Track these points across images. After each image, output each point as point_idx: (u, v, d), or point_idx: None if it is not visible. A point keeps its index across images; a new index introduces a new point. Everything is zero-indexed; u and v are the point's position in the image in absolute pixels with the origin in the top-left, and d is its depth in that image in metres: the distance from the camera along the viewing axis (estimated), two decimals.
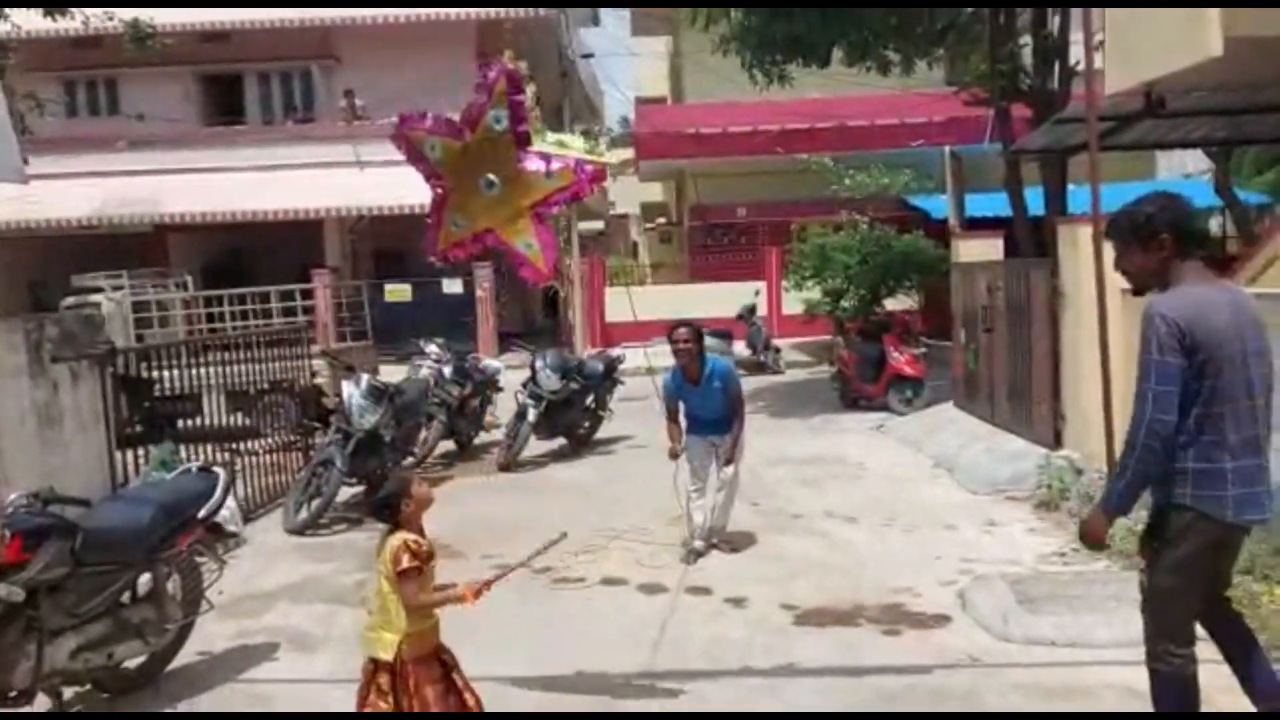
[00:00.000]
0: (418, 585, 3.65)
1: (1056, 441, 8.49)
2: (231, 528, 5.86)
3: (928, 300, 16.12)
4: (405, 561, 3.61)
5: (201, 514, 5.00)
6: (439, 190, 5.70)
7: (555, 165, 5.56)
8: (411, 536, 3.71)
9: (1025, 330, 9.14)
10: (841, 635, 5.33)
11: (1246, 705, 3.72)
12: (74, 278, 14.55)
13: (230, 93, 22.02)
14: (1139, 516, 6.50)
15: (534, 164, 5.50)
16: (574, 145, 5.72)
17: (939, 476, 8.93)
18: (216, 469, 5.39)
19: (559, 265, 6.28)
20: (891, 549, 6.81)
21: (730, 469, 6.85)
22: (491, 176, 5.48)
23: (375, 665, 3.73)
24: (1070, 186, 12.03)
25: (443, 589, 3.80)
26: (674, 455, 6.77)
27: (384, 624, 3.71)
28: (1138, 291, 3.66)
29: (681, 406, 6.89)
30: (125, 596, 4.78)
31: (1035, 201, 12.68)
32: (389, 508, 3.76)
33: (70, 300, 13.24)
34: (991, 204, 14.92)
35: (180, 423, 9.35)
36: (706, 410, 6.82)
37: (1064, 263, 8.44)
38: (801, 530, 7.37)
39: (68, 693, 4.57)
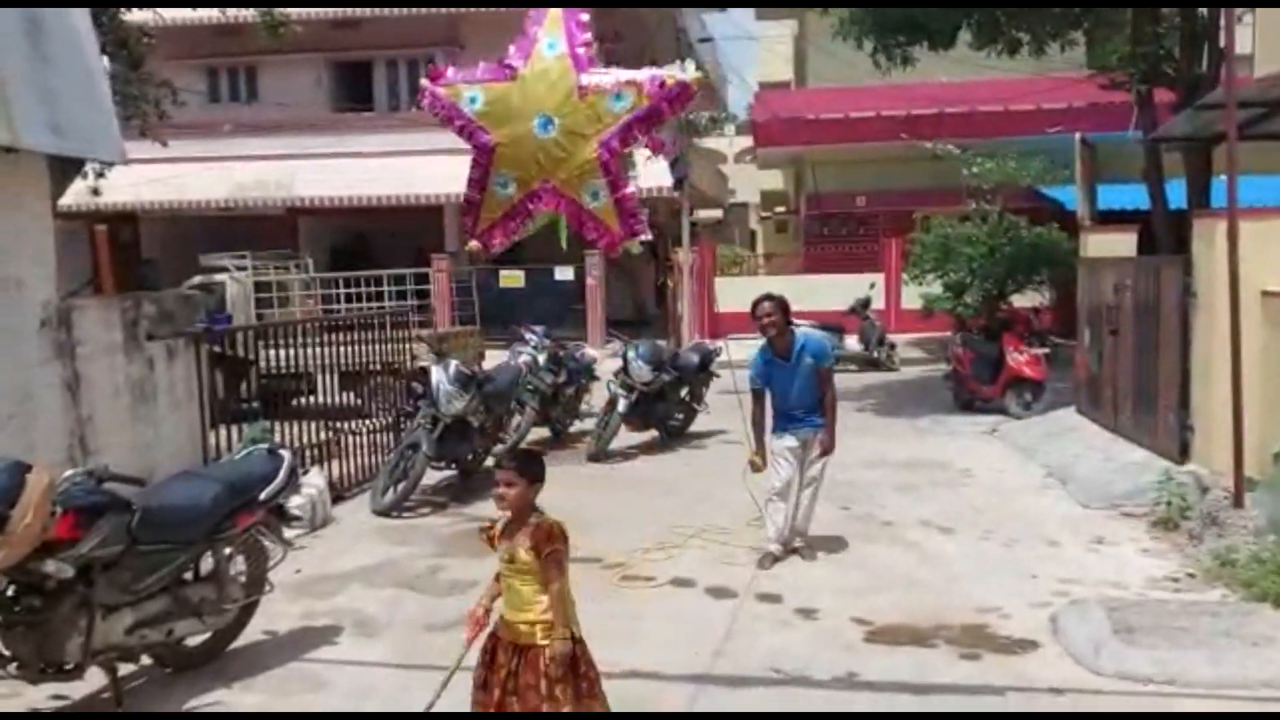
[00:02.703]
0: None
1: (1183, 454, 7.84)
2: (296, 511, 5.87)
3: (1061, 296, 15.24)
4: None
5: (262, 496, 5.01)
6: (483, 147, 4.50)
7: (623, 79, 4.39)
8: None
9: (1153, 333, 8.47)
10: (915, 656, 4.97)
11: None
12: (201, 257, 15.19)
13: (359, 79, 22.66)
14: (1264, 543, 5.95)
15: (596, 81, 4.38)
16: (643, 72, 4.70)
17: (1050, 487, 8.36)
18: (283, 451, 5.40)
19: (639, 229, 4.39)
20: (985, 564, 6.36)
21: (821, 463, 6.52)
22: (548, 113, 4.38)
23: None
24: (1220, 178, 11.11)
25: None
26: (756, 468, 6.45)
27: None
28: None
29: (769, 398, 6.51)
30: (187, 575, 4.84)
31: (1180, 194, 11.80)
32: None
33: (198, 279, 13.82)
34: (1133, 196, 14.00)
35: (294, 401, 9.62)
36: (796, 392, 6.41)
37: (1198, 260, 7.77)
38: (890, 539, 6.98)
39: (125, 668, 4.64)
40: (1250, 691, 4.36)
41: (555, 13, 4.56)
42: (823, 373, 6.45)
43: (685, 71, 4.51)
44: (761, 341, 6.57)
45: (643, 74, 4.51)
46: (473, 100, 4.60)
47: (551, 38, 4.49)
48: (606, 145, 4.39)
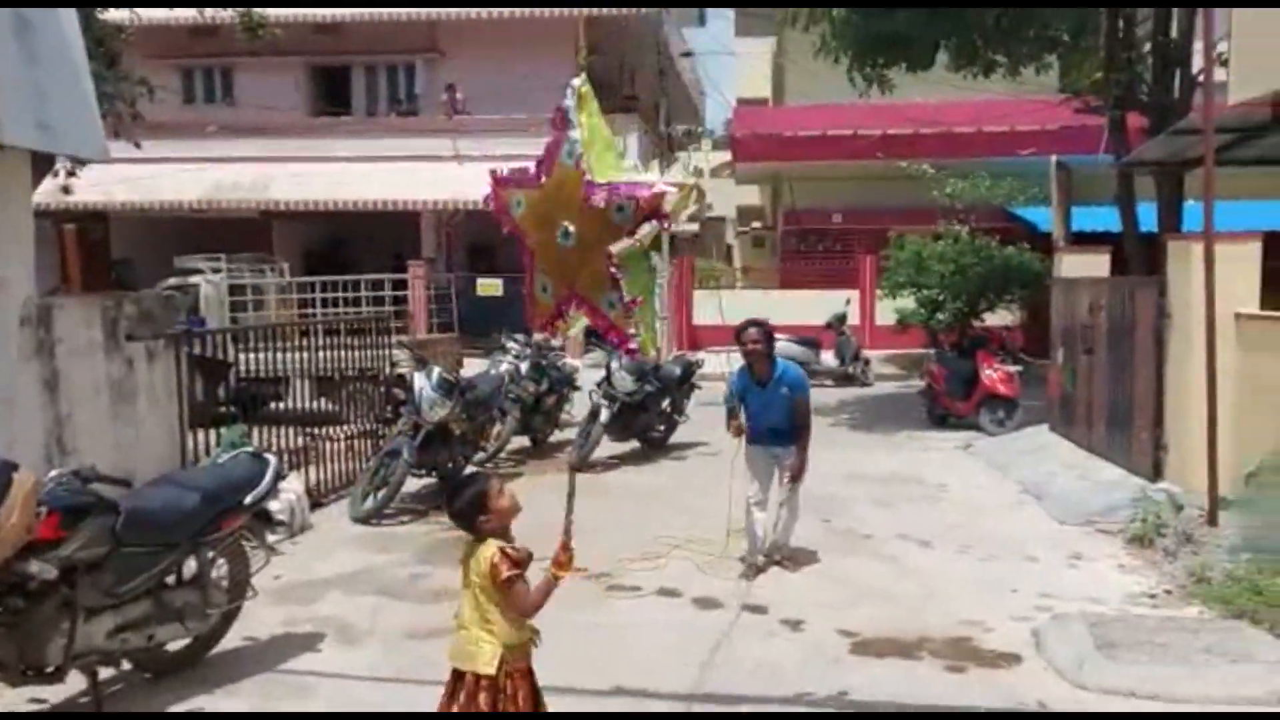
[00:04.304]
0: (524, 590, 3.37)
1: (1156, 473, 7.97)
2: (280, 516, 5.81)
3: (1031, 316, 15.45)
4: (506, 571, 3.31)
5: (248, 500, 4.95)
6: (527, 251, 4.77)
7: (623, 194, 4.67)
8: (501, 544, 3.42)
9: (1128, 352, 8.60)
10: (900, 668, 5.00)
11: None
12: (176, 259, 15.03)
13: (338, 84, 22.54)
14: (1238, 561, 6.05)
15: (599, 196, 4.48)
16: (647, 176, 4.78)
17: (1025, 503, 8.45)
18: (268, 455, 5.34)
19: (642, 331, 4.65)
20: (964, 578, 6.42)
21: (789, 488, 6.58)
22: (567, 225, 4.56)
23: (475, 680, 3.38)
24: (1190, 202, 11.33)
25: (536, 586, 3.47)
26: (737, 432, 6.59)
27: (486, 635, 3.39)
28: None
29: (743, 413, 6.63)
30: (170, 579, 4.77)
31: (1150, 218, 11.99)
32: (463, 517, 3.50)
33: (172, 281, 13.66)
34: (1104, 218, 14.20)
35: (271, 405, 9.51)
36: (769, 416, 6.54)
37: (1173, 282, 7.91)
38: (870, 552, 7.03)
39: (105, 673, 4.56)
40: (1234, 708, 4.42)
41: (571, 108, 4.59)
42: (797, 403, 6.54)
43: (687, 177, 4.68)
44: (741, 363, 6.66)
45: (640, 183, 4.61)
46: (518, 204, 4.77)
47: (570, 144, 4.56)
48: (612, 260, 4.51)
